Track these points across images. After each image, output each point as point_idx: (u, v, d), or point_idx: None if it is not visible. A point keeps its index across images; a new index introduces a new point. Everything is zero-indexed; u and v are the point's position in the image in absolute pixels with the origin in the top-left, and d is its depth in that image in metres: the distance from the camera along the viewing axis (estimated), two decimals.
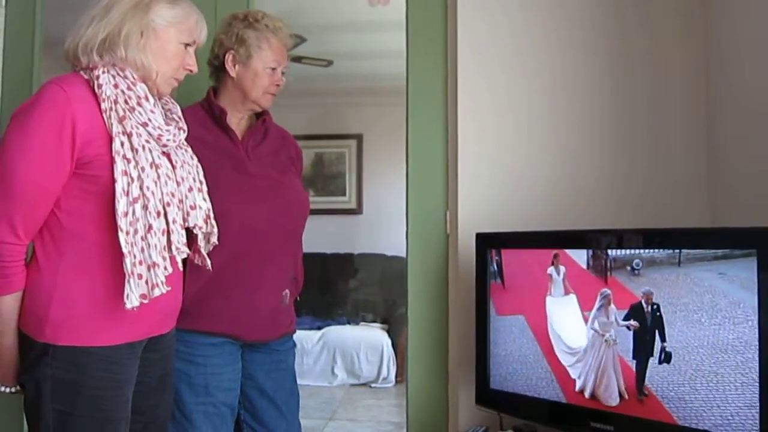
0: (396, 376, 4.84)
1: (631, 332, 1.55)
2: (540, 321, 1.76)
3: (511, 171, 2.11)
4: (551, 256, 1.74)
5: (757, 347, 1.35)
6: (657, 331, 1.50)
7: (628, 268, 1.57)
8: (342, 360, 4.89)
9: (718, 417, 1.40)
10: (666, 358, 1.47)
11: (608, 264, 1.61)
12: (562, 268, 1.72)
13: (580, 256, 1.68)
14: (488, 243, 1.92)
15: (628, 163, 2.10)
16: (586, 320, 1.65)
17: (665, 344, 1.48)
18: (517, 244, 1.87)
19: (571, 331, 1.69)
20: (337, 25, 4.15)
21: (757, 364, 1.35)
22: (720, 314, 1.41)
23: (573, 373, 1.68)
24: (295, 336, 1.94)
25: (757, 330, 1.35)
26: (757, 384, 1.34)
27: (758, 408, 1.34)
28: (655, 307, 1.50)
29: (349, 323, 5.25)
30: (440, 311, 2.15)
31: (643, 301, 1.52)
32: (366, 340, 4.92)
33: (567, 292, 1.71)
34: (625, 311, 1.55)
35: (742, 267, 1.38)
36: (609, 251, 1.61)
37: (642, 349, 1.52)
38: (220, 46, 1.81)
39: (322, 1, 3.89)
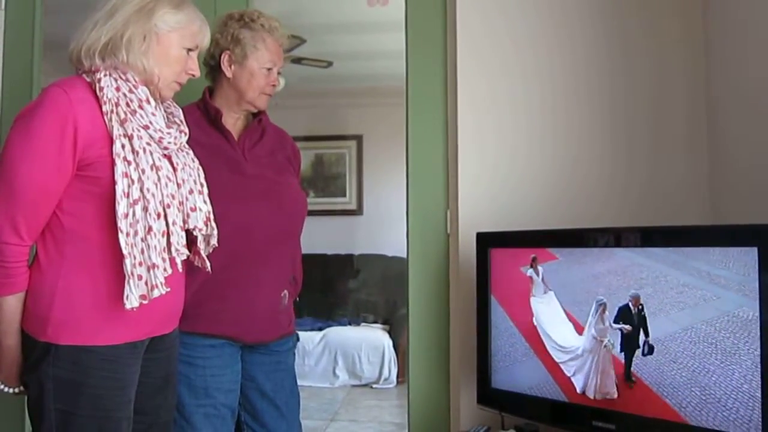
0: (397, 377, 4.85)
1: (620, 332, 1.61)
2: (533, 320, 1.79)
3: (512, 170, 2.11)
4: (550, 255, 1.76)
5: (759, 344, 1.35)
6: (642, 329, 1.56)
7: None
8: (343, 361, 4.89)
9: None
10: (649, 350, 1.54)
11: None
12: (540, 269, 1.77)
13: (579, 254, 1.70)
14: (489, 242, 1.92)
15: (629, 161, 2.10)
16: (568, 316, 1.70)
17: (648, 339, 1.54)
18: (518, 243, 1.87)
19: (557, 328, 1.73)
20: (336, 26, 4.16)
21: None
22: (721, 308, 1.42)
23: (567, 371, 1.70)
24: None
25: (758, 330, 1.36)
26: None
27: None
28: (640, 308, 1.56)
29: (350, 324, 5.25)
30: (441, 311, 2.15)
31: (630, 304, 1.58)
32: (367, 341, 4.92)
33: (546, 290, 1.76)
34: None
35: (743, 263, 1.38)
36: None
37: (629, 345, 1.59)
38: (216, 45, 1.79)
39: (322, 2, 3.89)
